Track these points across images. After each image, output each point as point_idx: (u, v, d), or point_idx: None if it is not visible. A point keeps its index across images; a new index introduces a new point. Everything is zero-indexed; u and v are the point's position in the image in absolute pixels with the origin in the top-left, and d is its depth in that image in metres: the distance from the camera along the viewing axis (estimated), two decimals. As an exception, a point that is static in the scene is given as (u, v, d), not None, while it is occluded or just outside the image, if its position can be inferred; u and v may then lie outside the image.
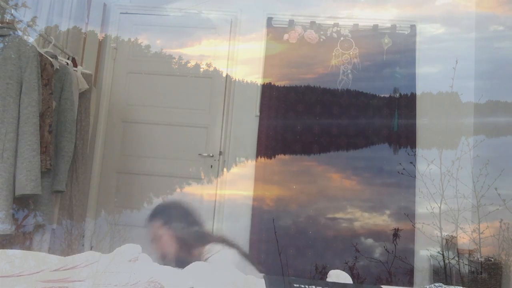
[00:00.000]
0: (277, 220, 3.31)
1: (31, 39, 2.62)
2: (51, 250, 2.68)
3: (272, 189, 3.34)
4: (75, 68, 2.91)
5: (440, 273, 2.89)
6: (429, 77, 3.40)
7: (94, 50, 3.52)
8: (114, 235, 2.99)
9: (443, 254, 2.88)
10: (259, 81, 3.47)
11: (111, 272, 1.31)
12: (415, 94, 3.37)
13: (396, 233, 3.12)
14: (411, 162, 3.18)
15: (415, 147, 3.29)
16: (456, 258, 2.84)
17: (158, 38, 3.63)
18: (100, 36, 3.57)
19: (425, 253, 3.08)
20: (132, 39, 3.60)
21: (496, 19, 3.36)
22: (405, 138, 3.33)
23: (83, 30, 3.39)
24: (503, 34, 3.32)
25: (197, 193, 3.44)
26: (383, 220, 3.25)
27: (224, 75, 3.53)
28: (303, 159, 3.38)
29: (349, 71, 3.42)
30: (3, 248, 1.41)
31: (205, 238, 2.25)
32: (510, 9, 3.28)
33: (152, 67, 3.59)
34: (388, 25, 3.45)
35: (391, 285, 2.82)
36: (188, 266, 1.48)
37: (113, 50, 3.58)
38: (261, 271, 2.06)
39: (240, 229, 3.29)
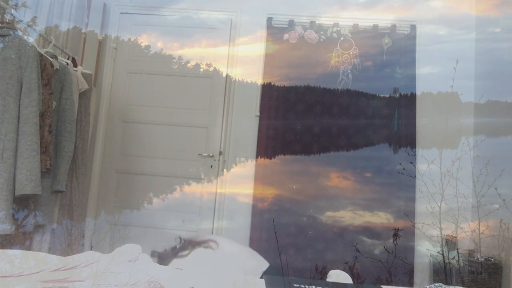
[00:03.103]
0: (277, 220, 3.31)
1: (31, 39, 2.61)
2: (51, 250, 2.67)
3: (272, 189, 3.34)
4: (75, 68, 2.91)
5: (440, 273, 2.89)
6: (429, 77, 3.40)
7: (94, 50, 3.52)
8: (114, 235, 2.99)
9: (443, 254, 2.88)
10: (259, 81, 3.47)
11: (111, 272, 1.30)
12: (415, 94, 3.37)
13: (396, 233, 3.12)
14: (411, 162, 3.18)
15: (415, 147, 3.29)
16: (456, 258, 2.84)
17: (158, 38, 3.63)
18: (100, 36, 3.57)
19: (425, 253, 3.08)
20: (132, 39, 3.59)
21: (493, 21, 3.36)
22: (405, 138, 3.33)
23: (83, 30, 3.39)
24: (500, 36, 3.32)
25: (197, 193, 3.44)
26: (383, 220, 3.25)
27: (224, 75, 3.53)
28: (303, 159, 3.38)
29: (349, 71, 3.42)
30: (3, 248, 1.41)
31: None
32: (502, 12, 3.29)
33: (152, 67, 3.59)
34: (388, 25, 3.45)
35: (391, 285, 2.82)
36: (188, 266, 1.49)
37: (113, 50, 3.58)
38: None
39: (240, 229, 3.29)
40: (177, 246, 2.29)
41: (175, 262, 2.16)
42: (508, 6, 3.26)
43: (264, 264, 2.29)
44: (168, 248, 2.28)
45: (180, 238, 2.35)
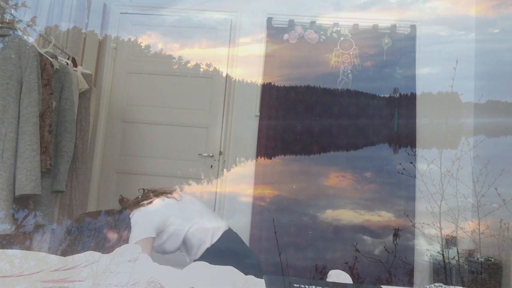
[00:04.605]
0: (277, 220, 3.31)
1: (31, 39, 2.61)
2: (51, 250, 2.67)
3: (272, 189, 3.34)
4: (75, 68, 2.91)
5: (440, 273, 2.89)
6: (429, 77, 3.40)
7: (94, 50, 3.52)
8: (114, 235, 2.98)
9: (443, 254, 2.88)
10: (259, 81, 3.47)
11: (111, 272, 1.31)
12: (415, 94, 3.37)
13: (396, 233, 3.12)
14: (411, 162, 3.18)
15: (415, 147, 3.29)
16: (456, 258, 2.84)
17: (158, 39, 3.63)
18: (100, 36, 3.57)
19: (425, 253, 3.08)
20: (132, 39, 3.60)
21: (491, 22, 3.37)
22: (405, 138, 3.33)
23: (83, 30, 3.39)
24: (499, 37, 3.32)
25: (197, 193, 3.44)
26: (383, 220, 3.25)
27: (224, 75, 3.53)
28: (303, 159, 3.38)
29: (349, 71, 3.42)
30: (3, 248, 1.41)
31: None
32: (499, 13, 3.30)
33: (152, 67, 3.59)
34: (388, 25, 3.45)
35: (391, 285, 2.82)
36: (188, 266, 1.48)
37: (113, 50, 3.58)
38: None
39: (240, 229, 3.28)
40: (140, 196, 2.25)
41: (138, 211, 2.12)
42: (505, 7, 3.27)
43: (224, 226, 2.28)
44: (131, 200, 2.24)
45: (143, 189, 2.30)
